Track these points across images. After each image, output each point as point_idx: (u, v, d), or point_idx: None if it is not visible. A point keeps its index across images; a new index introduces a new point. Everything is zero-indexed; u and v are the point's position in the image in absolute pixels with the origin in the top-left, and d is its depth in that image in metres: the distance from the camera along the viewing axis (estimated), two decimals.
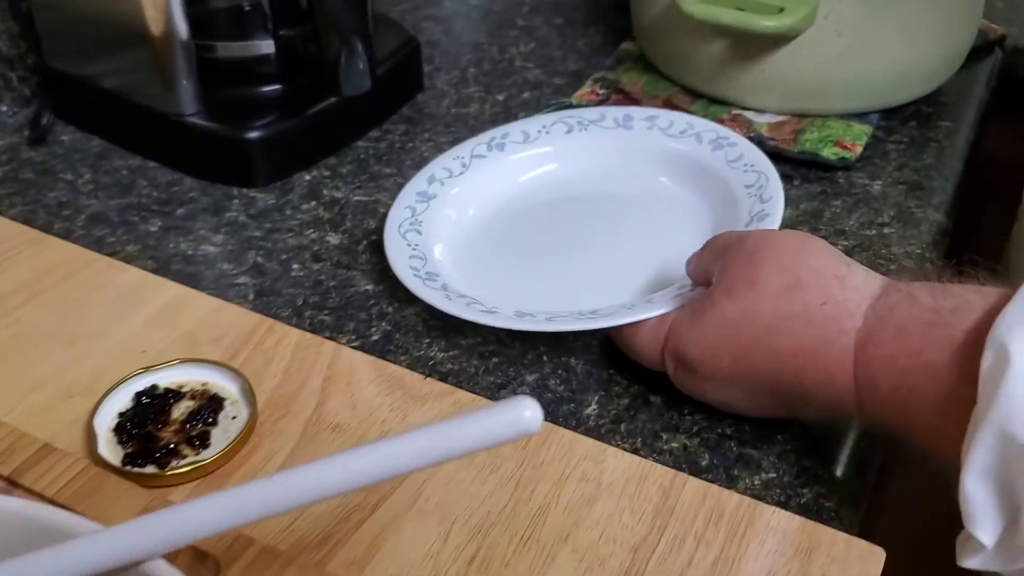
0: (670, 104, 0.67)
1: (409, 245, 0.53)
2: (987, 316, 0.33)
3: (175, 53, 0.58)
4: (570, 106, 0.68)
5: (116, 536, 0.25)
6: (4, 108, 0.68)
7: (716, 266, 0.43)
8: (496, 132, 0.60)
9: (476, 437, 0.24)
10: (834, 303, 0.38)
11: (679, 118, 0.58)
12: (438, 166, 0.58)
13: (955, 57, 0.67)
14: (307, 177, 0.62)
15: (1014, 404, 0.31)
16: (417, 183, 0.57)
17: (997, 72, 0.74)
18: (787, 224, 0.58)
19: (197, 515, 0.24)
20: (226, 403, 0.42)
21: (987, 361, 0.32)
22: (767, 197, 0.51)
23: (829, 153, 0.61)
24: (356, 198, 0.61)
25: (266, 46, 0.61)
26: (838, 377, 0.38)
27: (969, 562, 0.34)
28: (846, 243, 0.56)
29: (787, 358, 0.39)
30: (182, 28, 0.58)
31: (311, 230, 0.58)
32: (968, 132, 0.68)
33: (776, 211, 0.50)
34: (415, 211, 0.55)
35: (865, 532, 0.40)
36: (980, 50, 0.73)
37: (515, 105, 0.69)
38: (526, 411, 0.24)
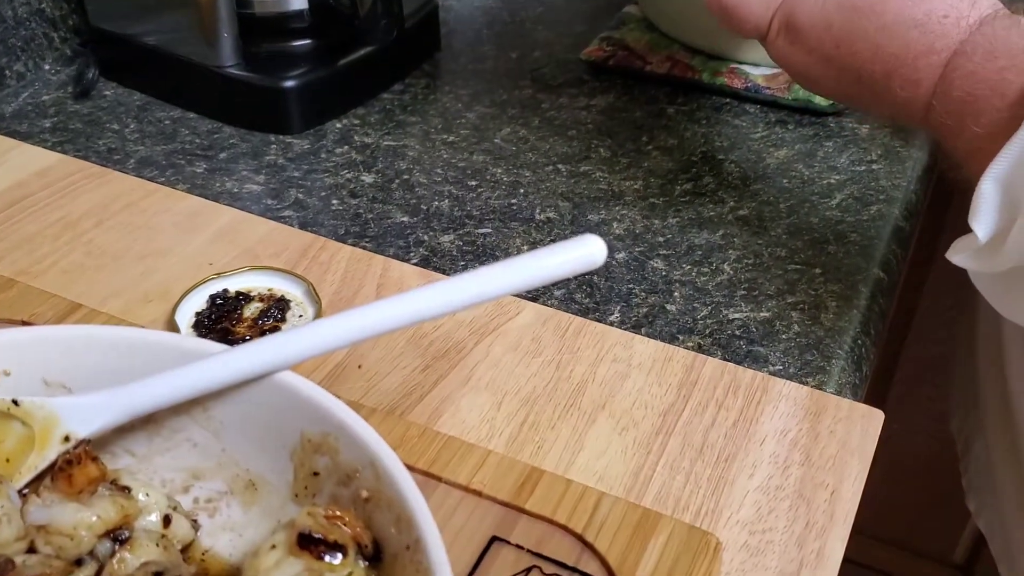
0: (673, 59, 0.72)
1: None
2: None
3: (217, 8, 0.63)
4: (579, 60, 0.73)
5: (245, 353, 0.29)
6: (47, 66, 0.72)
7: None
8: None
9: (554, 266, 0.29)
10: (955, 18, 0.41)
11: None
12: None
13: None
14: (338, 125, 0.67)
15: None
16: None
17: None
18: (784, 162, 0.64)
19: (316, 334, 0.29)
20: (292, 304, 0.47)
21: None
22: None
23: (821, 100, 0.67)
24: (386, 143, 0.65)
25: (299, 2, 0.66)
26: (924, 82, 0.41)
27: (957, 257, 0.39)
28: (838, 177, 0.62)
29: (889, 58, 0.43)
30: None
31: (346, 170, 0.63)
32: None
33: None
34: None
35: None
36: None
37: (528, 60, 0.74)
38: (594, 246, 0.29)
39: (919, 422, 1.09)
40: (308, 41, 0.67)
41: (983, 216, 0.38)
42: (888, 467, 0.62)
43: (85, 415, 0.30)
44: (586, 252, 0.28)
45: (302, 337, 0.30)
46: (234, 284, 0.47)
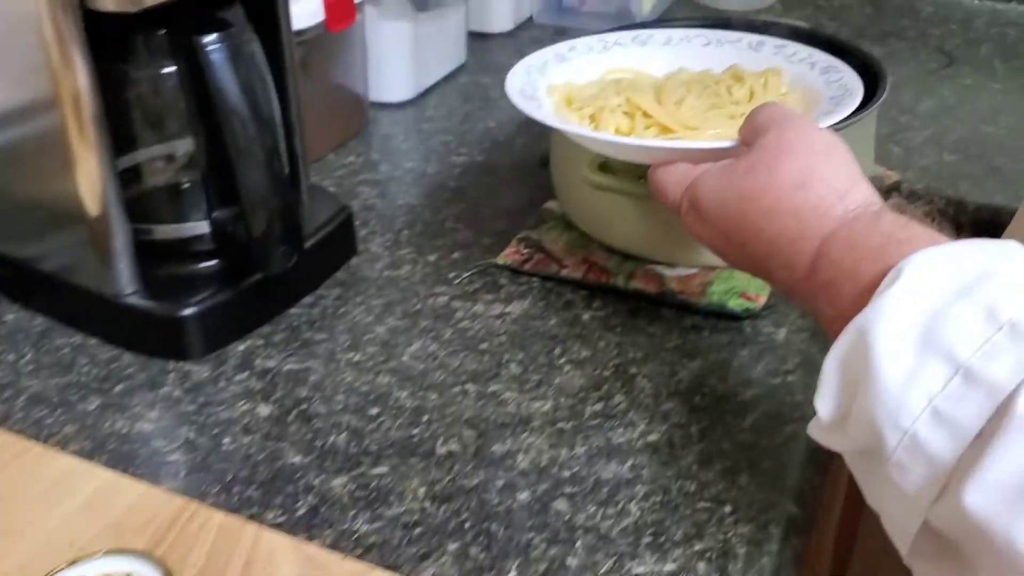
0: (588, 260, 0.71)
1: (529, 78, 0.65)
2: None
3: (112, 238, 0.61)
4: (496, 266, 0.72)
5: None
6: None
7: (758, 135, 0.50)
8: (641, 32, 0.73)
9: None
10: (824, 210, 0.46)
11: (804, 50, 0.69)
12: (582, 42, 0.71)
13: None
14: (241, 347, 0.65)
15: (876, 310, 0.38)
16: (559, 47, 0.70)
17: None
18: (698, 375, 0.61)
19: None
20: None
21: (887, 279, 0.39)
22: (842, 104, 0.60)
23: (735, 304, 0.65)
24: (288, 366, 0.63)
25: (201, 226, 0.65)
26: (797, 266, 0.46)
27: (811, 430, 0.43)
28: (752, 392, 0.60)
29: (768, 241, 0.47)
30: (118, 214, 0.61)
31: (243, 401, 0.60)
32: None
33: (844, 110, 0.59)
34: (547, 63, 0.68)
35: None
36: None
37: (444, 265, 0.73)
38: None
39: None
40: (212, 263, 0.66)
41: (825, 396, 0.41)
42: None
43: None
44: None
45: None
46: (90, 571, 0.44)
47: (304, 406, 0.60)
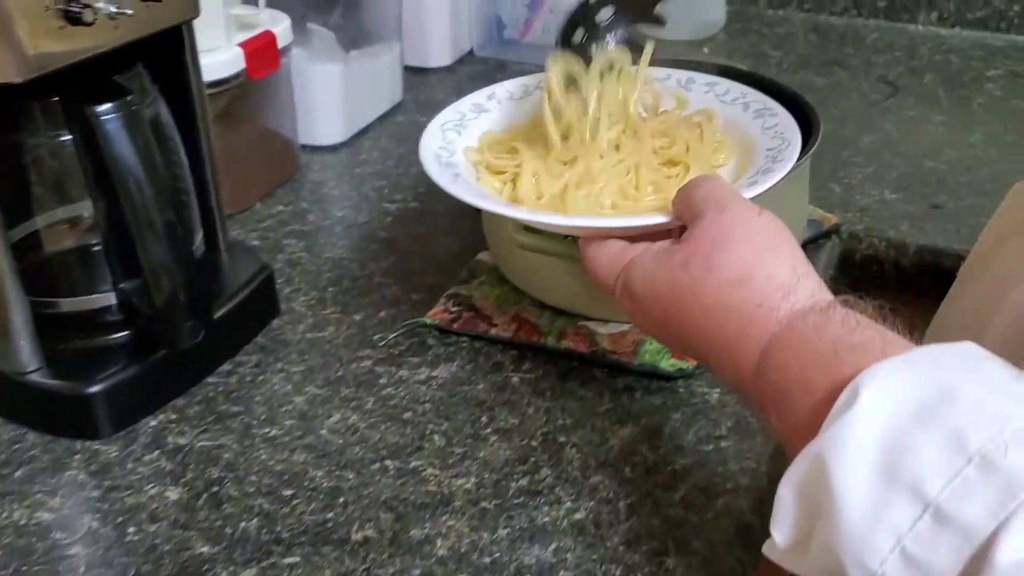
0: (519, 318, 0.68)
1: (444, 139, 0.61)
2: (874, 363, 0.36)
3: (10, 313, 0.58)
4: (424, 325, 0.69)
5: None
6: None
7: (694, 216, 0.47)
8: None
9: None
10: (768, 309, 0.42)
11: (736, 87, 0.65)
12: (502, 87, 0.66)
13: None
14: (153, 423, 0.62)
15: (834, 437, 0.35)
16: (477, 96, 0.65)
17: (836, 259, 0.78)
18: (628, 443, 0.59)
19: None
20: None
21: (842, 399, 0.36)
22: (780, 159, 0.56)
23: (667, 364, 0.63)
24: (201, 444, 0.60)
25: (108, 298, 0.62)
26: (743, 368, 0.43)
27: (767, 552, 0.39)
28: (684, 462, 0.57)
29: (709, 339, 0.44)
30: (15, 288, 0.58)
31: (152, 484, 0.57)
32: None
33: (781, 170, 0.55)
34: (464, 117, 0.64)
35: None
36: (817, 239, 0.77)
37: (370, 325, 0.70)
38: None
39: None
40: (122, 334, 0.63)
41: (782, 523, 0.38)
42: None
43: None
44: None
45: None
46: None
47: (216, 488, 0.57)
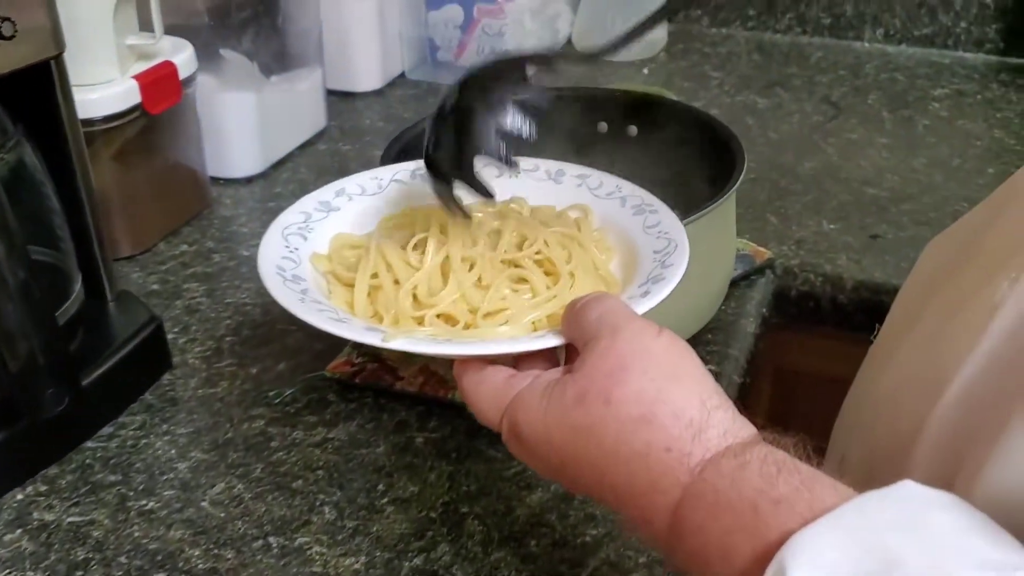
0: (426, 370, 0.64)
1: (288, 247, 0.51)
2: (800, 523, 0.32)
3: None
4: (323, 377, 0.64)
5: None
6: None
7: (586, 343, 0.41)
8: (422, 163, 0.52)
9: None
10: (678, 453, 0.37)
11: (609, 180, 0.57)
12: (351, 182, 0.57)
13: (712, 301, 0.67)
14: (20, 496, 0.56)
15: None
16: (323, 193, 0.55)
17: (771, 295, 0.74)
18: (536, 512, 0.54)
19: None
20: None
21: (769, 572, 0.32)
22: (669, 264, 0.49)
23: None
24: (69, 519, 0.55)
25: None
26: (656, 522, 0.38)
27: None
28: (595, 532, 0.53)
29: (615, 489, 0.39)
30: None
31: (7, 571, 0.52)
32: (739, 363, 0.66)
33: (674, 277, 0.48)
34: (310, 218, 0.54)
35: None
36: (750, 275, 0.73)
37: (268, 379, 0.65)
38: None
39: None
40: None
41: None
42: None
43: None
44: None
45: None
46: None
47: (79, 573, 0.52)
